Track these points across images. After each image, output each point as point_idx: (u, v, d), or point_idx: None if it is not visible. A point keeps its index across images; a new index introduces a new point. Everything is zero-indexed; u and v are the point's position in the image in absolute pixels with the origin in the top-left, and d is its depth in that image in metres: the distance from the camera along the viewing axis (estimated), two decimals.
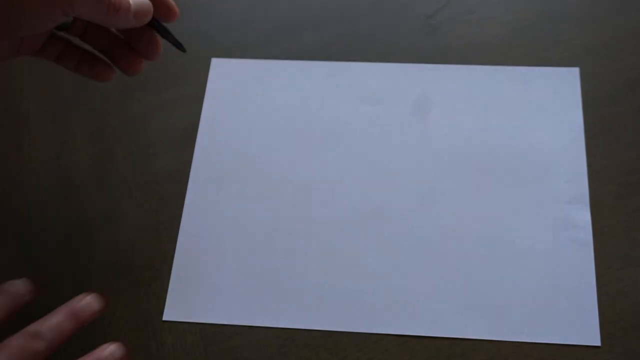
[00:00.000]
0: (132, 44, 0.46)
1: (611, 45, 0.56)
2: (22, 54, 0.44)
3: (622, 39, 0.56)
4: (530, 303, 0.46)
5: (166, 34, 0.46)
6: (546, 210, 0.49)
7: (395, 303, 0.47)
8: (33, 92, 0.58)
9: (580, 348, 0.45)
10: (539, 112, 0.53)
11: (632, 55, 0.55)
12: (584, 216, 0.49)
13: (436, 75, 0.56)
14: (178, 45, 0.47)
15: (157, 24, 0.45)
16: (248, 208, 0.51)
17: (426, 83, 0.55)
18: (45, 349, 0.38)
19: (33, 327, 0.39)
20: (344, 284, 0.48)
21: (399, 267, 0.48)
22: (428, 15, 0.59)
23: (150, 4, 0.43)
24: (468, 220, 0.50)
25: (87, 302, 0.41)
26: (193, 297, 0.48)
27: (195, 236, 0.51)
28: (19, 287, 0.41)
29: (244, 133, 0.54)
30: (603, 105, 0.53)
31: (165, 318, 0.47)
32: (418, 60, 0.57)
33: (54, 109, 0.57)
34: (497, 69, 0.55)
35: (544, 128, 0.53)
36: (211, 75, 0.57)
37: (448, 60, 0.56)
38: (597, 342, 0.45)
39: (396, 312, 0.47)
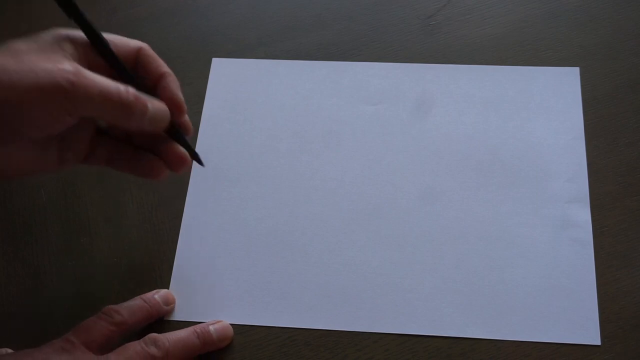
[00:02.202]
0: (153, 150, 0.44)
1: (611, 45, 0.56)
2: (69, 165, 0.42)
3: (622, 39, 0.56)
4: (530, 302, 0.46)
5: (184, 144, 0.44)
6: (546, 209, 0.50)
7: (395, 302, 0.47)
8: None
9: (580, 347, 0.45)
10: (539, 112, 0.53)
11: (632, 55, 0.55)
12: (584, 215, 0.49)
13: (436, 75, 0.56)
14: (196, 159, 0.46)
15: (175, 131, 0.43)
16: (248, 207, 0.51)
17: (426, 83, 0.55)
18: (163, 356, 0.41)
19: (153, 336, 0.42)
20: (344, 284, 0.48)
21: (398, 267, 0.48)
22: (428, 15, 0.59)
23: (167, 111, 0.42)
24: (468, 220, 0.50)
25: (217, 327, 0.46)
26: (193, 296, 0.48)
27: (195, 236, 0.51)
28: (161, 296, 0.47)
29: (244, 133, 0.54)
30: (603, 105, 0.53)
31: (166, 318, 0.47)
32: (418, 60, 0.57)
33: None
34: (497, 69, 0.55)
35: (544, 128, 0.53)
36: (212, 75, 0.57)
37: (448, 60, 0.56)
38: (597, 341, 0.45)
39: (396, 312, 0.47)
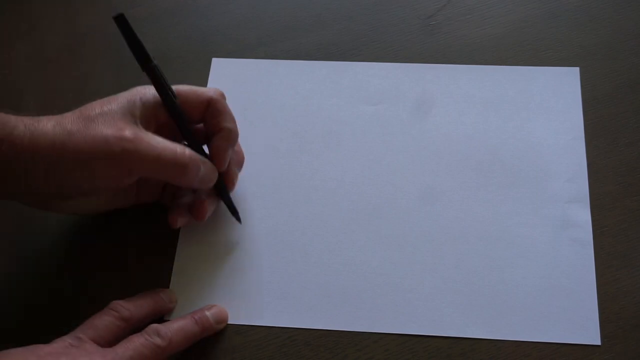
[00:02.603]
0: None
1: (611, 45, 0.56)
2: (146, 200, 0.50)
3: (622, 39, 0.56)
4: (530, 302, 0.46)
5: (227, 199, 0.50)
6: (546, 209, 0.50)
7: (395, 302, 0.47)
8: (33, 92, 0.59)
9: (580, 347, 0.45)
10: (539, 112, 0.53)
11: (632, 55, 0.55)
12: (584, 216, 0.49)
13: (436, 75, 0.56)
14: (234, 214, 0.50)
15: (221, 187, 0.49)
16: (248, 207, 0.51)
17: (426, 83, 0.55)
18: (167, 345, 0.43)
19: (155, 326, 0.44)
20: (344, 284, 0.48)
21: (398, 267, 0.48)
22: (428, 15, 0.59)
23: (216, 173, 0.47)
24: (468, 220, 0.50)
25: (213, 312, 0.47)
26: (193, 296, 0.48)
27: (195, 236, 0.51)
28: (165, 293, 0.48)
29: (244, 133, 0.54)
30: (603, 105, 0.53)
31: (166, 317, 0.47)
32: (418, 60, 0.57)
33: (54, 109, 0.57)
34: (497, 69, 0.55)
35: (544, 128, 0.53)
36: (212, 75, 0.57)
37: (448, 60, 0.56)
38: (597, 341, 0.45)
39: (396, 312, 0.47)
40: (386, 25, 0.59)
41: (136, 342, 0.42)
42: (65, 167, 0.42)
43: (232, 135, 0.47)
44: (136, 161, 0.43)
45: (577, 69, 0.55)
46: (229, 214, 0.51)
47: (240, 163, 0.51)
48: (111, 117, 0.43)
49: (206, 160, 0.46)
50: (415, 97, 0.55)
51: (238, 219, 0.50)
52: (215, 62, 0.58)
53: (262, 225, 0.51)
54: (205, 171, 0.46)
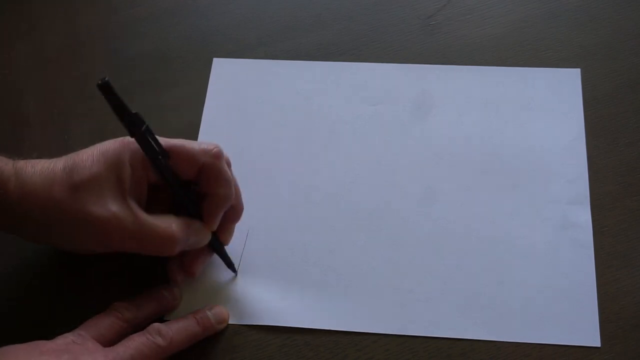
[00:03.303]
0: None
1: (611, 46, 0.56)
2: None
3: (621, 39, 0.56)
4: (531, 303, 0.46)
5: (221, 253, 0.48)
6: (546, 210, 0.49)
7: (396, 303, 0.47)
8: (33, 92, 0.59)
9: (580, 349, 0.45)
10: (540, 113, 0.53)
11: (632, 55, 0.55)
12: (584, 216, 0.49)
13: (436, 75, 0.56)
14: (230, 267, 0.49)
15: (214, 242, 0.47)
16: (248, 207, 0.51)
17: (426, 83, 0.55)
18: (168, 345, 0.43)
19: (156, 325, 0.44)
20: (344, 284, 0.48)
21: (399, 267, 0.48)
22: (428, 15, 0.59)
23: (208, 235, 0.46)
24: (468, 220, 0.50)
25: (214, 312, 0.46)
26: (193, 297, 0.48)
27: None
28: (169, 291, 0.47)
29: (245, 133, 0.54)
30: (603, 105, 0.53)
31: (166, 317, 0.47)
32: (418, 60, 0.57)
33: (54, 109, 0.57)
34: (497, 70, 0.55)
35: (545, 129, 0.53)
36: (213, 75, 0.57)
37: (448, 60, 0.56)
38: (597, 342, 0.45)
39: (396, 312, 0.47)
40: (386, 25, 0.59)
41: (137, 342, 0.42)
42: (54, 229, 0.43)
43: (226, 201, 0.45)
44: (118, 240, 0.43)
45: (578, 70, 0.55)
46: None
47: (237, 217, 0.48)
48: (99, 187, 0.42)
49: (197, 223, 0.45)
50: (415, 98, 0.55)
51: (234, 270, 0.49)
52: (216, 62, 0.58)
53: (261, 225, 0.51)
54: (195, 238, 0.45)
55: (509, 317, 0.46)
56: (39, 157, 0.45)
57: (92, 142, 0.56)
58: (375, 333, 0.46)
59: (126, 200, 0.43)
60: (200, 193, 0.45)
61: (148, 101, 0.57)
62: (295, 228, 0.50)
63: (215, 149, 0.45)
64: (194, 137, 0.54)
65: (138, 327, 0.45)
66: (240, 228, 0.50)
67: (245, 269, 0.49)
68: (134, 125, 0.41)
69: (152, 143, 0.42)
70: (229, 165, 0.47)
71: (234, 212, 0.48)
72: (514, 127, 0.53)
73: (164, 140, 0.44)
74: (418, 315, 0.47)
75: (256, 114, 0.55)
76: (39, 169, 0.43)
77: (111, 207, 0.42)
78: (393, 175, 0.52)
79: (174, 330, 0.44)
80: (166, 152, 0.43)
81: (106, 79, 0.39)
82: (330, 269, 0.49)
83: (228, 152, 0.53)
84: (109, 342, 0.43)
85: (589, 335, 0.45)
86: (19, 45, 0.61)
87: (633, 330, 0.45)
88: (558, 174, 0.51)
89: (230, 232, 0.48)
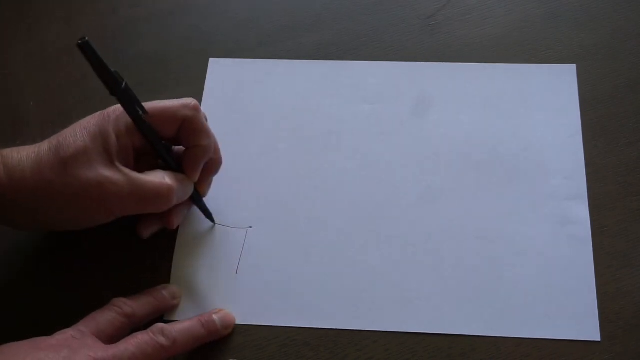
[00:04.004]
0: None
1: (610, 45, 0.56)
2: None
3: (621, 39, 0.56)
4: (530, 299, 0.46)
5: (200, 204, 0.50)
6: (545, 207, 0.50)
7: (395, 301, 0.47)
8: (33, 92, 0.59)
9: (580, 347, 0.45)
10: (537, 110, 0.53)
11: (631, 55, 0.55)
12: (582, 212, 0.49)
13: (435, 73, 0.56)
14: (209, 217, 0.50)
15: (194, 194, 0.48)
16: (247, 207, 0.51)
17: (424, 81, 0.55)
18: (171, 345, 0.43)
19: (160, 325, 0.43)
20: (344, 283, 0.48)
21: (398, 265, 0.48)
22: (428, 15, 0.59)
23: (191, 187, 0.47)
24: (467, 218, 0.50)
25: (221, 316, 0.47)
26: (193, 297, 0.48)
27: (194, 236, 0.51)
28: (168, 290, 0.47)
29: (243, 133, 0.54)
30: (602, 105, 0.53)
31: (166, 318, 0.47)
32: (418, 60, 0.57)
33: (54, 109, 0.57)
34: (494, 67, 0.56)
35: (542, 125, 0.53)
36: (209, 75, 0.57)
37: (448, 59, 0.56)
38: (596, 337, 0.45)
39: (396, 310, 0.47)
40: (386, 25, 0.59)
41: (140, 339, 0.42)
42: (47, 212, 0.44)
43: (206, 152, 0.47)
44: (118, 203, 0.44)
45: (573, 67, 0.55)
46: (228, 212, 0.51)
47: (216, 169, 0.50)
48: (87, 158, 0.43)
49: (182, 177, 0.46)
50: (413, 96, 0.55)
51: (212, 220, 0.50)
52: (213, 62, 0.58)
53: (261, 225, 0.51)
54: (182, 191, 0.46)
55: (508, 313, 0.46)
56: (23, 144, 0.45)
57: None
58: (375, 333, 0.46)
59: (115, 164, 0.44)
60: (179, 152, 0.47)
61: (147, 101, 0.57)
62: (295, 228, 0.50)
63: (193, 102, 0.46)
64: None
65: (138, 325, 0.45)
66: (240, 228, 0.50)
67: (245, 269, 0.49)
68: (114, 83, 0.41)
69: (132, 100, 0.43)
70: (206, 119, 0.48)
71: (213, 164, 0.49)
72: (512, 124, 0.53)
73: (144, 102, 0.45)
74: (418, 313, 0.47)
75: (255, 113, 0.55)
76: (25, 154, 0.43)
77: (103, 172, 0.43)
78: (392, 173, 0.52)
79: (177, 331, 0.43)
80: (145, 110, 0.44)
81: (86, 38, 0.39)
82: (330, 268, 0.49)
83: (226, 152, 0.53)
84: (109, 338, 0.43)
85: (588, 329, 0.45)
86: (19, 45, 0.61)
87: (633, 330, 0.45)
88: (555, 170, 0.51)
89: (208, 184, 0.50)
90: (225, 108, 0.56)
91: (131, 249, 0.50)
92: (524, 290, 0.47)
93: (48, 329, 0.42)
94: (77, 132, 0.44)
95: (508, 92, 0.54)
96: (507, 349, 0.45)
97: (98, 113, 0.45)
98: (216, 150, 0.49)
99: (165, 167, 0.46)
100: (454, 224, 0.50)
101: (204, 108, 0.55)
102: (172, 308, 0.47)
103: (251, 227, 0.50)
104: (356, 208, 0.51)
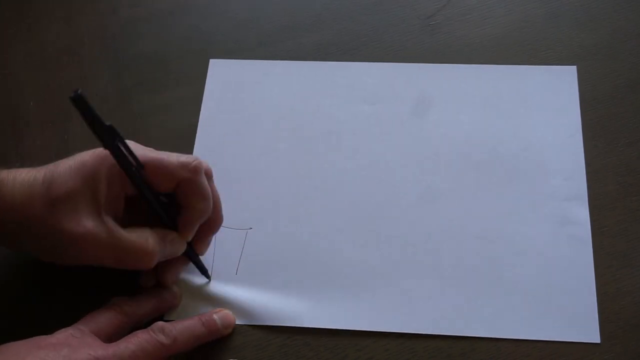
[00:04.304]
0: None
1: (611, 45, 0.56)
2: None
3: (621, 39, 0.56)
4: (530, 300, 0.46)
5: (195, 261, 0.48)
6: (544, 207, 0.50)
7: (396, 301, 0.47)
8: (33, 92, 0.59)
9: (580, 347, 0.45)
10: (537, 110, 0.53)
11: (631, 55, 0.55)
12: (582, 213, 0.49)
13: (435, 74, 0.56)
14: (204, 273, 0.49)
15: (189, 251, 0.47)
16: (247, 207, 0.51)
17: (424, 82, 0.55)
18: (171, 344, 0.42)
19: (160, 324, 0.43)
20: (344, 283, 0.48)
21: (398, 266, 0.48)
22: (428, 15, 0.59)
23: (184, 245, 0.46)
24: (467, 218, 0.50)
25: (221, 315, 0.46)
26: (193, 297, 0.48)
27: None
28: (168, 290, 0.47)
29: (243, 133, 0.54)
30: (602, 105, 0.53)
31: (166, 318, 0.47)
32: (418, 60, 0.57)
33: (54, 109, 0.57)
34: (494, 68, 0.56)
35: (542, 126, 0.53)
36: (209, 75, 0.57)
37: (448, 60, 0.56)
38: (596, 339, 0.45)
39: (396, 310, 0.47)
40: (386, 25, 0.59)
41: (140, 338, 0.42)
42: (32, 243, 0.44)
43: (203, 215, 0.45)
44: (97, 257, 0.43)
45: (574, 68, 0.55)
46: (228, 213, 0.50)
47: (214, 229, 0.48)
48: (74, 204, 0.42)
49: (173, 234, 0.45)
50: (413, 96, 0.55)
51: (208, 277, 0.49)
52: (213, 63, 0.58)
53: (261, 225, 0.51)
54: (171, 249, 0.45)
55: (508, 314, 0.46)
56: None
57: (92, 142, 0.56)
58: (375, 333, 0.46)
59: (101, 216, 0.42)
60: (178, 204, 0.45)
61: (147, 102, 0.57)
62: (295, 228, 0.50)
63: (194, 163, 0.44)
64: (192, 137, 0.54)
65: (138, 324, 0.45)
66: (240, 228, 0.50)
67: (245, 269, 0.49)
68: (108, 137, 0.40)
69: (127, 155, 0.42)
70: (209, 176, 0.46)
71: (212, 224, 0.47)
72: (512, 124, 0.53)
73: (142, 153, 0.43)
74: (418, 314, 0.47)
75: (255, 113, 0.55)
76: (19, 181, 0.43)
77: (85, 223, 0.42)
78: (392, 174, 0.52)
79: (178, 330, 0.43)
80: (141, 164, 0.43)
81: (79, 91, 0.38)
82: (330, 269, 0.49)
83: (226, 153, 0.53)
84: (109, 337, 0.43)
85: (589, 331, 0.45)
86: (19, 45, 0.61)
87: (633, 330, 0.45)
88: (556, 170, 0.51)
89: (206, 244, 0.48)
90: (225, 109, 0.56)
91: None
92: (523, 290, 0.47)
93: (48, 328, 0.42)
94: (72, 171, 0.43)
95: (508, 93, 0.54)
96: (507, 349, 0.45)
97: (98, 151, 0.43)
98: (216, 210, 0.47)
99: (157, 220, 0.45)
100: (454, 224, 0.50)
101: (203, 108, 0.56)
102: (173, 308, 0.47)
103: (251, 228, 0.50)
104: (356, 208, 0.51)
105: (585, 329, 0.45)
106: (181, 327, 0.44)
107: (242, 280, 0.49)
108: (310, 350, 0.46)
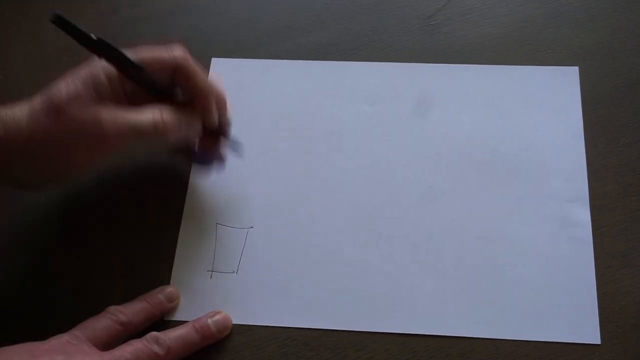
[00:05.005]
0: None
1: (610, 45, 0.56)
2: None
3: (621, 39, 0.56)
4: (530, 301, 0.46)
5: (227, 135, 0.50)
6: (546, 208, 0.50)
7: (395, 301, 0.47)
8: (33, 92, 0.58)
9: (580, 347, 0.45)
10: (539, 111, 0.53)
11: (631, 55, 0.55)
12: (584, 214, 0.49)
13: (436, 74, 0.56)
14: (237, 149, 0.51)
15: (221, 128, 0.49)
16: (248, 207, 0.51)
17: (426, 82, 0.55)
18: (165, 354, 0.43)
19: (154, 334, 0.43)
20: (344, 283, 0.48)
21: (398, 266, 0.48)
22: (428, 15, 0.59)
23: (199, 121, 0.46)
24: (468, 219, 0.50)
25: (216, 319, 0.46)
26: (193, 297, 0.48)
27: (194, 236, 0.51)
28: (164, 293, 0.47)
29: (243, 133, 0.54)
30: (602, 105, 0.53)
31: (166, 318, 0.47)
32: (418, 60, 0.57)
33: None
34: (496, 68, 0.55)
35: (544, 127, 0.53)
36: (211, 75, 0.57)
37: (448, 60, 0.56)
38: (596, 340, 0.45)
39: (396, 311, 0.47)
40: (386, 25, 0.59)
41: (135, 347, 0.42)
42: (45, 159, 0.43)
43: (209, 93, 0.46)
44: (117, 141, 0.43)
45: (576, 69, 0.55)
46: (228, 212, 0.51)
47: (224, 105, 0.49)
48: (81, 101, 0.42)
49: (186, 107, 0.46)
50: (415, 97, 0.55)
51: (241, 153, 0.50)
52: (215, 62, 0.58)
53: (261, 225, 0.51)
54: (185, 120, 0.45)
55: (509, 315, 0.46)
56: None
57: None
58: (375, 333, 0.46)
59: (109, 105, 0.43)
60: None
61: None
62: (295, 228, 0.50)
63: (180, 50, 0.46)
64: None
65: (135, 331, 0.45)
66: (240, 228, 0.50)
67: (245, 269, 0.49)
68: (101, 49, 0.41)
69: (124, 59, 0.43)
70: (222, 103, 0.48)
71: (220, 101, 0.48)
72: (513, 125, 0.53)
73: (136, 57, 0.44)
74: (418, 314, 0.47)
75: (255, 113, 0.55)
76: (18, 108, 0.43)
77: (100, 113, 0.42)
78: (393, 174, 0.52)
79: (171, 339, 0.43)
80: (140, 66, 0.43)
81: (57, 12, 0.39)
82: (330, 269, 0.49)
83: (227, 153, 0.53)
84: (105, 344, 0.43)
85: (589, 332, 0.45)
86: (19, 45, 0.61)
87: (633, 330, 0.45)
88: (557, 171, 0.51)
89: (227, 122, 0.50)
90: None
91: (131, 249, 0.50)
92: (524, 290, 0.47)
93: (44, 333, 0.42)
94: (68, 80, 0.43)
95: (509, 93, 0.54)
96: (506, 349, 0.45)
97: (91, 59, 0.44)
98: (218, 93, 0.48)
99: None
100: (455, 224, 0.50)
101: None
102: (169, 311, 0.47)
103: (252, 227, 0.51)
104: (357, 208, 0.51)
105: (586, 330, 0.45)
106: (174, 336, 0.44)
107: (242, 280, 0.49)
108: (310, 350, 0.46)
